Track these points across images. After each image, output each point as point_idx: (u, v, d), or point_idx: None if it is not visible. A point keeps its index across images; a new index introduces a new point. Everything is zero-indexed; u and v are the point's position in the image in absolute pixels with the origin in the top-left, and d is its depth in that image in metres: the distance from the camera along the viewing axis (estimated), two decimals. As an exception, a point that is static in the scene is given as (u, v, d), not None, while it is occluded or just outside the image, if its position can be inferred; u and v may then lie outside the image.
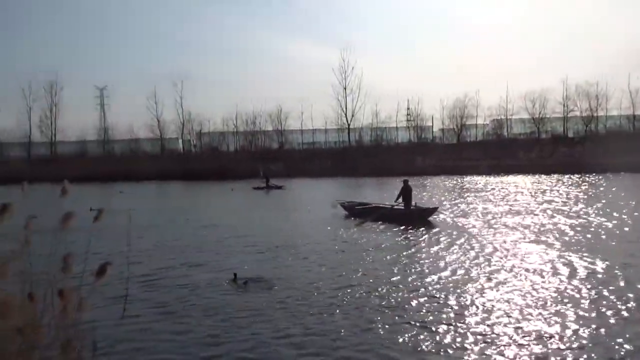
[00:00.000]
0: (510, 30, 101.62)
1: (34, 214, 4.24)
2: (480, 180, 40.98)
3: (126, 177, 50.65)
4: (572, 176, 39.98)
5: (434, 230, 14.82)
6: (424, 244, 12.63)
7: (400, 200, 17.80)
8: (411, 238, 13.69)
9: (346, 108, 66.57)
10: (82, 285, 4.05)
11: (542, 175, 42.57)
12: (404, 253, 11.52)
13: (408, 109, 69.33)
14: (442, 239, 13.16)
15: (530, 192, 27.76)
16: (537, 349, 5.62)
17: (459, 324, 6.47)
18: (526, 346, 5.71)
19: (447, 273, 9.30)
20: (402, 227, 15.46)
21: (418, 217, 16.81)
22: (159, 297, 7.96)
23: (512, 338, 5.95)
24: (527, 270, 9.36)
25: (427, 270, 9.60)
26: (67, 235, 4.38)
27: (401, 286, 8.39)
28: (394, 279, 9.00)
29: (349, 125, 66.31)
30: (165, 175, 52.42)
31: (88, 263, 4.20)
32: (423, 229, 15.17)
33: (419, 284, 8.56)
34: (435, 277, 8.99)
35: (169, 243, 13.20)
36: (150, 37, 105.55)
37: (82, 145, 68.25)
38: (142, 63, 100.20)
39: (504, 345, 5.74)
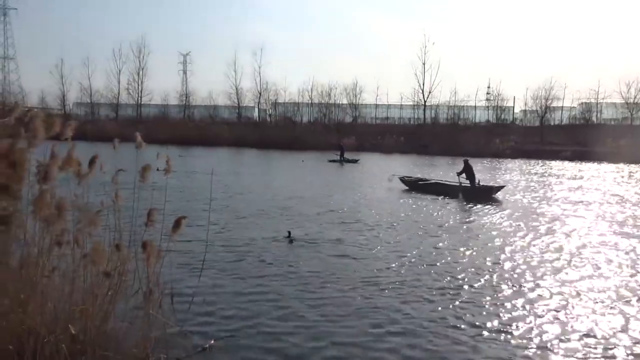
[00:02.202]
0: (606, 8, 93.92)
1: (122, 168, 4.55)
2: (563, 165, 38.80)
3: (203, 141, 52.58)
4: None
5: (500, 209, 14.90)
6: (487, 222, 12.68)
7: (463, 176, 18.19)
8: (473, 215, 13.87)
9: (423, 84, 65.22)
10: (164, 242, 4.32)
11: (633, 165, 39.57)
12: (465, 229, 11.51)
13: (488, 87, 66.52)
14: (508, 220, 12.96)
15: (623, 181, 25.93)
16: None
17: (509, 317, 6.24)
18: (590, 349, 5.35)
19: (507, 255, 9.02)
20: (464, 203, 15.93)
21: (482, 194, 17.24)
22: (233, 259, 8.33)
23: (574, 339, 5.54)
24: (610, 264, 8.80)
25: (488, 250, 9.35)
26: (149, 193, 4.65)
27: (462, 266, 8.21)
28: (454, 256, 8.85)
29: (425, 102, 64.81)
30: (240, 142, 53.92)
31: (168, 219, 4.46)
32: (488, 206, 15.45)
33: (479, 264, 8.32)
34: (495, 259, 8.72)
35: (239, 207, 13.67)
36: (233, 4, 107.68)
37: (164, 108, 71.45)
38: (224, 30, 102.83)
39: (568, 350, 5.43)
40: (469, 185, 17.94)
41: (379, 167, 31.70)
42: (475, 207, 15.19)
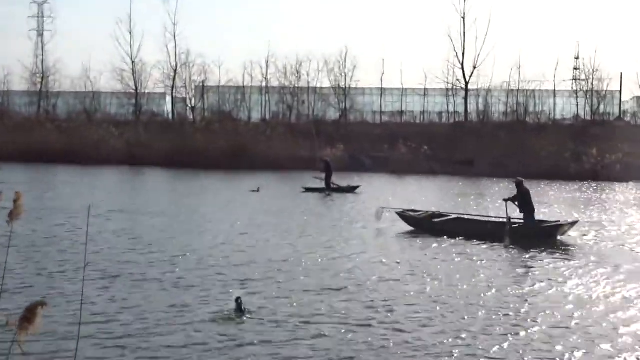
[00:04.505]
0: None
1: None
2: None
3: (75, 155, 52.45)
4: None
5: (585, 264, 15.51)
6: (567, 287, 13.16)
7: (511, 210, 19.53)
8: (538, 273, 14.46)
9: (463, 55, 65.83)
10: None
11: None
12: (526, 303, 11.70)
13: (576, 59, 67.82)
14: (602, 284, 13.44)
15: None
16: None
17: None
18: None
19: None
20: (515, 250, 17.13)
21: (545, 234, 18.80)
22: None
23: None
24: None
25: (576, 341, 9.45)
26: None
27: None
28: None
29: (467, 84, 65.50)
30: (140, 156, 53.88)
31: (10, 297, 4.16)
32: (560, 256, 16.48)
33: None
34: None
35: (140, 271, 13.43)
36: None
37: (3, 97, 71.01)
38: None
39: None
40: (523, 220, 19.40)
41: (387, 198, 31.53)
42: (537, 259, 16.05)
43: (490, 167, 48.81)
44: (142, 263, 14.61)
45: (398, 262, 15.46)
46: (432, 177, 47.50)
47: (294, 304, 11.12)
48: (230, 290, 11.84)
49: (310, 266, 14.76)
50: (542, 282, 13.58)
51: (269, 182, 39.44)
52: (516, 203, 19.56)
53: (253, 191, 33.43)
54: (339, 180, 36.30)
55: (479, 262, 15.59)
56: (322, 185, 35.23)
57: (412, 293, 12.38)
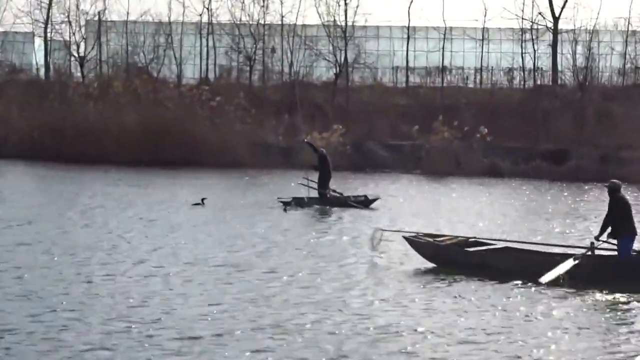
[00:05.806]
0: None
1: None
2: None
3: None
4: None
5: None
6: None
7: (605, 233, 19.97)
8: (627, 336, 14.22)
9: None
10: None
11: None
12: None
13: None
14: None
15: None
16: None
17: None
18: None
19: None
20: (595, 298, 17.30)
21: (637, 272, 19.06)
22: None
23: None
24: None
25: None
26: None
27: None
28: None
29: (556, 22, 66.48)
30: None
31: None
32: None
33: None
34: None
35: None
36: None
37: None
38: None
39: None
40: (616, 247, 19.69)
41: (414, 215, 32.09)
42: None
43: (597, 164, 49.33)
44: (17, 323, 14.25)
45: (437, 325, 14.88)
46: (495, 180, 48.33)
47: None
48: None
49: (302, 335, 14.21)
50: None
51: (220, 188, 40.03)
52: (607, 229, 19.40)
53: (196, 205, 33.68)
54: (339, 184, 36.84)
55: (547, 322, 15.03)
56: (314, 192, 35.61)
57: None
